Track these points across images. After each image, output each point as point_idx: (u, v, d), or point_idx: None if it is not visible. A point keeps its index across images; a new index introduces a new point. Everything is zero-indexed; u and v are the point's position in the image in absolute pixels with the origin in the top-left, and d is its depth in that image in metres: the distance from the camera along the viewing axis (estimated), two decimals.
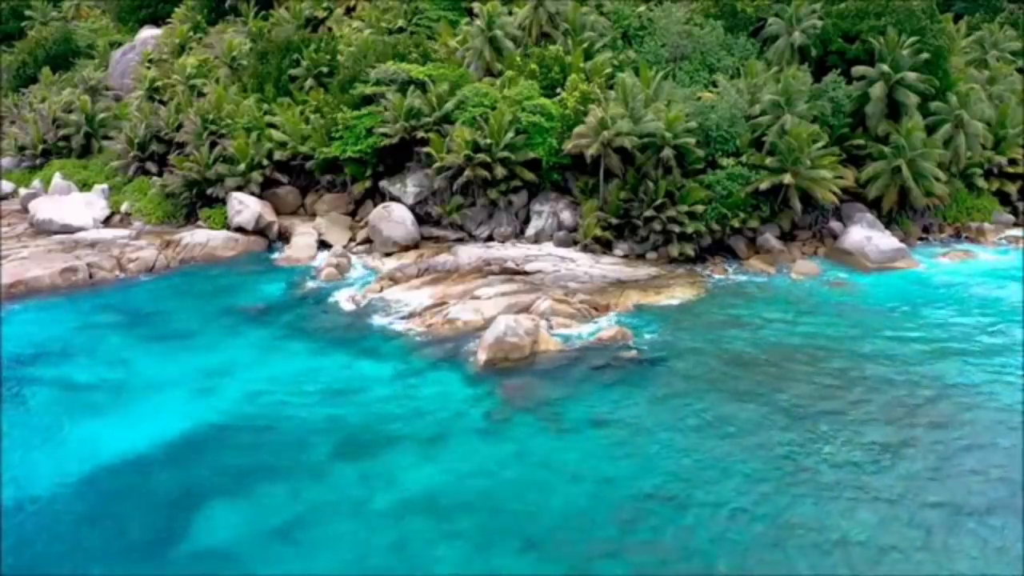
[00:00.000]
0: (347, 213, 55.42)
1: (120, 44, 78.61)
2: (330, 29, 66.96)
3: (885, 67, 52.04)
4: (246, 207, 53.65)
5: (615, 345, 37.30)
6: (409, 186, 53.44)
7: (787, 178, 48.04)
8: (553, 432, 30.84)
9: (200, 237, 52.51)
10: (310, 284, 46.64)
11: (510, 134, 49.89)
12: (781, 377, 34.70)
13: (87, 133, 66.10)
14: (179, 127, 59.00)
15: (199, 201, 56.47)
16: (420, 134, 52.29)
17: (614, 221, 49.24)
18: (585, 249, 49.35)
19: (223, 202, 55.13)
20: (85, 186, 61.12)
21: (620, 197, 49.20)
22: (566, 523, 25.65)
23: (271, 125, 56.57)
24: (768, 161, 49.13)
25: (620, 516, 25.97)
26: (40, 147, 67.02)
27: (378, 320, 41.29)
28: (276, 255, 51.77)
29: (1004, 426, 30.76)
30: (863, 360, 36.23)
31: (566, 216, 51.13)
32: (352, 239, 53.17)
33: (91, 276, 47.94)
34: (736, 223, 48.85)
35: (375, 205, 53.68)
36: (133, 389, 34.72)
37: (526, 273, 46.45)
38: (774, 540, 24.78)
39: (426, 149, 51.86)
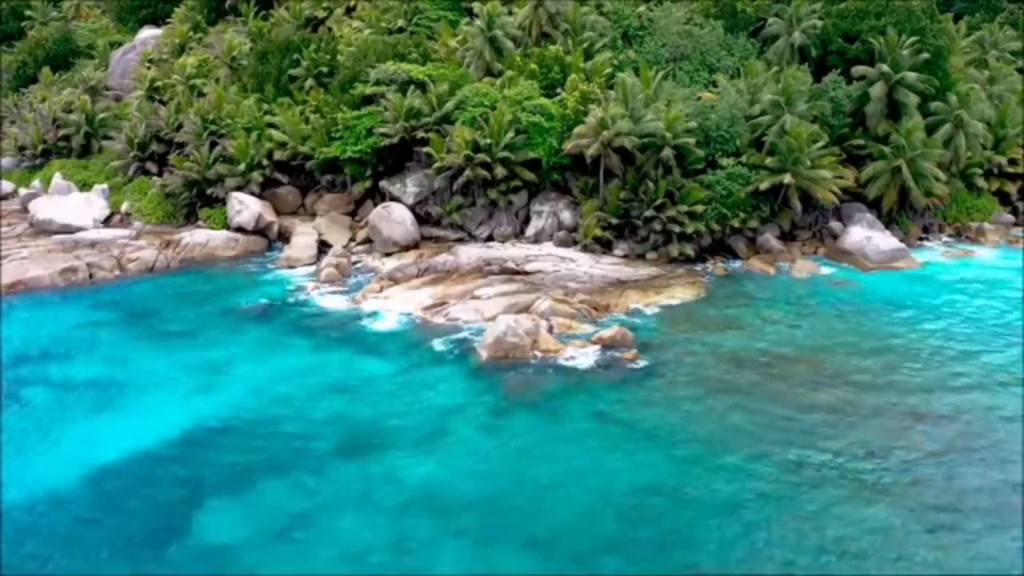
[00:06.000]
0: (347, 213, 55.41)
1: (120, 44, 78.64)
2: (330, 29, 66.97)
3: (885, 67, 52.05)
4: (246, 207, 53.66)
5: (615, 345, 37.26)
6: (409, 186, 53.44)
7: (787, 178, 48.06)
8: (553, 430, 30.86)
9: (200, 237, 52.54)
10: (310, 283, 46.61)
11: (510, 134, 49.89)
12: (780, 378, 34.67)
13: (87, 133, 66.11)
14: (179, 127, 58.98)
15: (199, 201, 56.48)
16: (420, 134, 52.30)
17: (614, 221, 49.25)
18: (585, 249, 49.36)
19: (223, 202, 55.13)
20: (85, 186, 61.11)
21: (620, 197, 49.21)
22: (567, 519, 25.65)
23: (271, 125, 56.55)
24: (768, 161, 49.14)
25: (620, 512, 26.00)
26: (40, 147, 67.03)
27: (378, 319, 41.28)
28: (276, 255, 51.75)
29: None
30: (862, 362, 36.18)
31: (566, 216, 51.14)
32: (352, 239, 53.18)
33: (91, 276, 47.97)
34: (736, 223, 48.88)
35: (375, 205, 53.68)
36: (133, 387, 34.72)
37: (526, 273, 46.46)
38: (773, 537, 24.78)
39: (426, 149, 51.87)
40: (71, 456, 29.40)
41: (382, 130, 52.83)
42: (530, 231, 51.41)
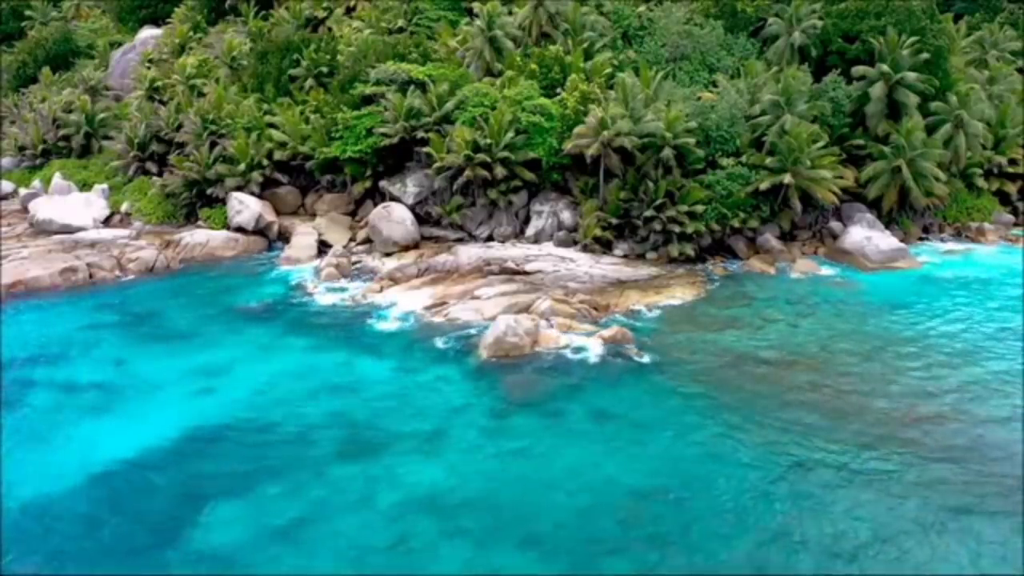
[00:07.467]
0: (347, 213, 55.44)
1: (120, 44, 78.69)
2: (330, 29, 66.98)
3: (885, 67, 52.06)
4: (246, 207, 53.67)
5: (615, 345, 37.27)
6: (409, 186, 53.46)
7: (787, 178, 48.07)
8: (553, 430, 30.86)
9: (200, 237, 52.55)
10: (310, 284, 46.62)
11: (510, 134, 49.91)
12: (780, 378, 34.68)
13: (87, 133, 66.17)
14: (179, 127, 59.03)
15: (199, 201, 56.53)
16: (420, 134, 52.33)
17: (614, 221, 49.26)
18: (585, 249, 49.37)
19: (223, 202, 55.16)
20: (85, 186, 61.15)
21: (620, 197, 49.22)
22: (567, 520, 25.65)
23: (271, 125, 56.59)
24: (768, 161, 49.15)
25: (621, 513, 26.00)
26: (40, 147, 67.09)
27: (378, 319, 41.29)
28: (276, 255, 51.76)
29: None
30: (862, 362, 36.17)
31: (566, 216, 51.15)
32: (352, 239, 53.19)
33: (91, 276, 47.94)
34: (736, 223, 48.90)
35: (375, 205, 53.70)
36: (134, 389, 34.69)
37: (526, 273, 46.47)
38: (774, 536, 24.79)
39: (426, 149, 51.89)
40: (71, 458, 29.37)
41: (382, 130, 52.84)
42: (530, 231, 51.41)
